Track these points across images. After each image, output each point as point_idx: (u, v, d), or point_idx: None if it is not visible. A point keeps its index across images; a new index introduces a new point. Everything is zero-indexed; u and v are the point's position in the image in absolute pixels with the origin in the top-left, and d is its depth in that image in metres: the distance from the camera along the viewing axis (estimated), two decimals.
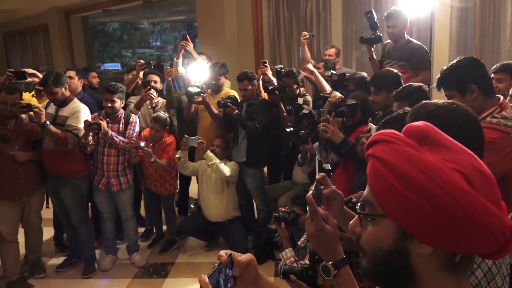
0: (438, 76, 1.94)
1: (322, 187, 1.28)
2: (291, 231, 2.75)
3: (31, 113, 3.41)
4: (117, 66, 13.26)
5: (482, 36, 4.46)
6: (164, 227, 4.32)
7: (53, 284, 3.75)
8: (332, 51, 4.81)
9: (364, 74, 3.82)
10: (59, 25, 10.56)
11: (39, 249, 3.92)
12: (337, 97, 3.33)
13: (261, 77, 4.22)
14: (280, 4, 6.39)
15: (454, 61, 1.94)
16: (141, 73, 4.30)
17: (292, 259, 2.67)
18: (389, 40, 3.86)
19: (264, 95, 4.09)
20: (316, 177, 1.26)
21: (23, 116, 3.37)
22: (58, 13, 10.45)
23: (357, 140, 2.74)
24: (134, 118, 3.84)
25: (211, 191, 3.95)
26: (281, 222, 2.70)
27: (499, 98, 1.92)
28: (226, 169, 3.84)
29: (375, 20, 3.75)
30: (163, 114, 3.91)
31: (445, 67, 1.93)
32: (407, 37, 3.75)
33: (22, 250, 3.84)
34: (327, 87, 3.99)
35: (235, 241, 3.94)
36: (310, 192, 1.14)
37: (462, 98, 1.81)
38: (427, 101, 1.28)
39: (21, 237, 3.72)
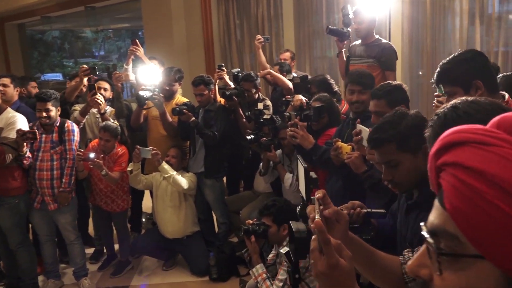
0: (438, 70, 1.70)
1: (321, 207, 1.03)
2: (261, 245, 2.54)
3: None
4: (58, 76, 12.57)
5: (434, 40, 4.47)
6: (116, 247, 3.95)
7: None
8: (287, 55, 4.67)
9: (326, 75, 3.69)
10: None
11: None
12: (301, 100, 3.15)
13: (217, 81, 4.00)
14: (230, 9, 6.25)
15: (456, 53, 1.70)
16: (85, 80, 3.95)
17: (264, 275, 2.46)
18: (357, 41, 3.71)
19: (222, 100, 3.87)
20: (316, 195, 1.02)
21: None
22: None
23: (328, 144, 2.57)
24: (70, 125, 3.38)
25: (168, 206, 3.65)
26: (250, 235, 2.48)
27: (503, 96, 1.73)
28: (183, 181, 3.57)
29: (349, 15, 3.60)
30: (113, 123, 3.59)
31: (445, 61, 1.69)
32: (376, 36, 3.63)
33: None
34: (291, 86, 3.78)
35: (195, 258, 3.66)
36: (317, 216, 0.91)
37: (465, 95, 1.58)
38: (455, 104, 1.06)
39: None
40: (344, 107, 3.48)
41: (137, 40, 4.15)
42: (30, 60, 10.66)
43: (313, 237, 0.85)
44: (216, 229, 3.96)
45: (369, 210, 1.61)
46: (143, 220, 4.57)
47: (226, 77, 3.94)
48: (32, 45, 11.04)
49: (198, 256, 3.66)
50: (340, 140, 2.31)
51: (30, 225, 3.59)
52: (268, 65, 4.52)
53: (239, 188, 4.40)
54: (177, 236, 3.67)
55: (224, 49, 6.42)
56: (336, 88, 3.61)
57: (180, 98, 3.97)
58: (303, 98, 3.16)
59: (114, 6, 8.61)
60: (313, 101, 3.03)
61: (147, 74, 3.92)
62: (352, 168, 2.14)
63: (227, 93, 3.66)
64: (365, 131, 2.02)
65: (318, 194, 1.02)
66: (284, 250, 1.91)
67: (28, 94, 4.39)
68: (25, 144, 3.13)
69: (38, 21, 9.75)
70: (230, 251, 3.66)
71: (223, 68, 3.97)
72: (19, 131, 3.06)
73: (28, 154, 3.21)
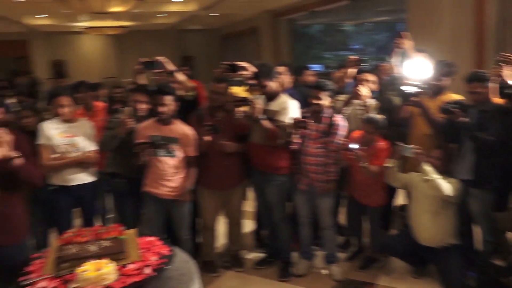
0: None
1: None
2: None
3: (245, 107, 3.42)
4: (318, 68, 13.40)
5: None
6: (366, 241, 3.93)
7: (249, 280, 3.73)
8: None
9: None
10: (268, 28, 11.13)
11: (239, 242, 3.96)
12: None
13: (496, 78, 3.49)
14: None
15: None
16: (351, 70, 4.00)
17: None
18: None
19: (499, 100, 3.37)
20: None
21: (240, 109, 3.40)
22: (267, 16, 11.02)
23: None
24: (338, 119, 3.51)
25: (425, 210, 3.40)
26: None
27: None
28: (446, 186, 3.25)
29: None
30: (376, 116, 3.53)
31: None
32: None
33: (222, 239, 3.96)
34: None
35: (450, 273, 3.31)
36: None
37: None
38: None
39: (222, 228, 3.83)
40: None
41: (403, 33, 3.98)
42: (295, 52, 11.60)
43: None
44: (477, 246, 3.51)
45: None
46: (395, 218, 4.41)
47: (508, 73, 3.39)
48: (298, 38, 11.97)
49: (455, 272, 3.30)
50: None
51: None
52: None
53: (507, 203, 3.78)
54: (432, 244, 3.39)
55: (501, 41, 5.60)
56: None
57: (450, 95, 3.63)
58: None
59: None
60: None
61: (415, 69, 3.70)
62: None
63: (507, 91, 3.16)
64: None
65: None
66: None
67: (304, 83, 4.65)
68: (296, 131, 3.36)
69: (305, 16, 10.49)
70: (495, 275, 3.19)
71: (505, 63, 3.43)
72: (294, 119, 3.30)
73: (298, 140, 3.45)
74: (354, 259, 3.92)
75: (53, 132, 3.25)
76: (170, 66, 3.59)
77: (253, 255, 4.10)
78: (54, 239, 2.49)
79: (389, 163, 3.49)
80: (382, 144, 3.54)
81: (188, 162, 3.42)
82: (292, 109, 3.48)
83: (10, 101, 7.21)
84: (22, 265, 2.20)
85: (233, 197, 3.71)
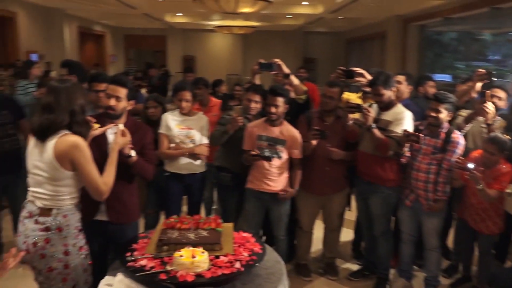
0: None
1: None
2: None
3: (356, 114, 3.35)
4: (447, 78, 12.52)
5: None
6: (474, 269, 3.61)
7: None
8: None
9: None
10: (396, 33, 10.72)
11: (335, 249, 3.91)
12: None
13: None
14: None
15: None
16: (478, 84, 3.68)
17: None
18: None
19: None
20: None
21: (352, 116, 3.36)
22: (397, 21, 10.62)
23: None
24: (457, 136, 3.23)
25: None
26: None
27: None
28: None
29: None
30: (502, 136, 3.21)
31: None
32: None
33: (319, 245, 3.94)
34: None
35: None
36: None
37: None
38: None
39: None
40: None
41: None
42: (424, 60, 11.00)
43: None
44: None
45: None
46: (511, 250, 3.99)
47: None
48: (428, 45, 11.33)
49: None
50: None
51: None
52: None
53: None
54: None
55: None
56: None
57: None
58: None
59: None
60: None
61: None
62: None
63: None
64: None
65: None
66: None
67: (424, 93, 4.41)
68: (406, 144, 3.21)
69: (439, 22, 9.86)
70: None
71: None
72: (404, 131, 3.15)
73: (407, 153, 3.29)
74: (457, 287, 3.62)
75: (173, 123, 3.52)
76: (286, 69, 3.66)
77: (348, 265, 4.02)
78: (161, 222, 2.70)
79: (510, 189, 3.15)
80: (505, 167, 3.21)
81: (294, 164, 3.47)
82: (406, 121, 3.33)
83: (142, 91, 8.00)
84: (131, 242, 2.44)
85: (332, 203, 3.67)
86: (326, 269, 3.88)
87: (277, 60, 3.63)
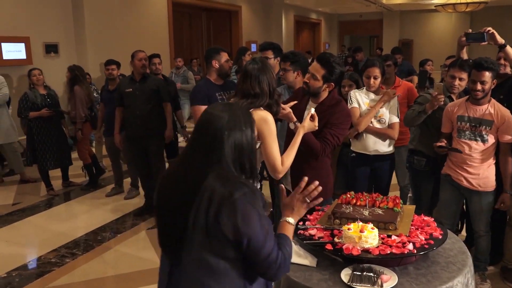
0: None
1: None
2: None
3: None
4: None
5: None
6: None
7: None
8: None
9: None
10: None
11: None
12: None
13: None
14: None
15: None
16: None
17: None
18: None
19: None
20: None
21: None
22: None
23: None
24: None
25: None
26: None
27: None
28: None
29: None
30: None
31: None
32: None
33: None
34: None
35: None
36: None
37: None
38: None
39: None
40: None
41: None
42: None
43: None
44: None
45: None
46: None
47: None
48: None
49: None
50: None
51: None
52: None
53: None
54: None
55: None
56: None
57: None
58: None
59: None
60: None
61: None
62: None
63: None
64: None
65: None
66: None
67: None
68: None
69: None
70: None
71: None
72: None
73: None
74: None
75: (362, 100, 3.42)
76: (500, 39, 3.15)
77: None
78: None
79: None
80: None
81: (503, 150, 2.98)
82: None
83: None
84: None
85: None
86: None
87: (489, 28, 3.15)
